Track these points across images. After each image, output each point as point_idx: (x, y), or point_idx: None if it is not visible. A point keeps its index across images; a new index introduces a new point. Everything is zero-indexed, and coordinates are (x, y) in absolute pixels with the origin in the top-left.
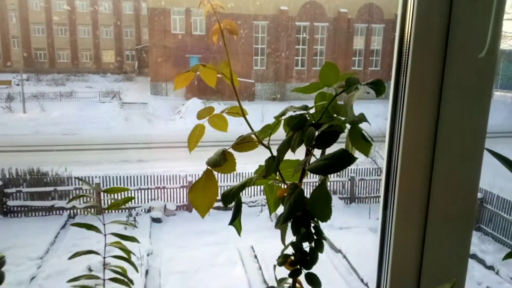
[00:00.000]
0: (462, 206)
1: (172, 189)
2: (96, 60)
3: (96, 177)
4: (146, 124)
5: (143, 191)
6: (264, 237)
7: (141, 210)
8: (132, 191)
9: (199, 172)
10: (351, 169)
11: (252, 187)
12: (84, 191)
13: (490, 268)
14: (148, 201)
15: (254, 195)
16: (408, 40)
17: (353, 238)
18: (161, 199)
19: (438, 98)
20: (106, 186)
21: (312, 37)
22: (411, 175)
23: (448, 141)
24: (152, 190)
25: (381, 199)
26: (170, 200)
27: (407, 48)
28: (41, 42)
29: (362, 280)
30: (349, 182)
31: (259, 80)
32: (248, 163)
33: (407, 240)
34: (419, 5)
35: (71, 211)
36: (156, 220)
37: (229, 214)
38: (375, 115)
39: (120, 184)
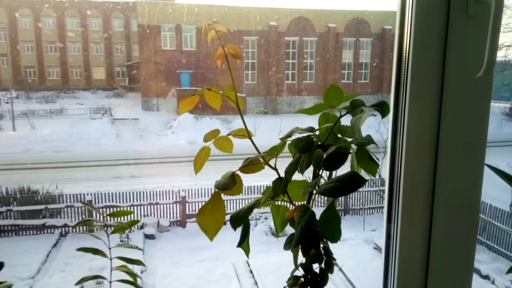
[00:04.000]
0: (466, 219)
1: (165, 205)
2: (87, 77)
3: (88, 194)
4: (138, 140)
5: (135, 207)
6: (259, 252)
7: (134, 226)
8: (124, 208)
9: (192, 187)
10: None
11: (245, 200)
12: (77, 209)
13: (486, 277)
14: (140, 218)
15: None
16: (407, 57)
17: (349, 251)
18: (154, 215)
19: (438, 113)
20: (98, 203)
21: (301, 51)
22: (414, 188)
23: (450, 155)
24: (145, 206)
25: (385, 213)
26: (163, 216)
27: (406, 65)
28: (30, 60)
29: None
30: None
31: (250, 94)
32: None
33: (412, 254)
34: (416, 24)
35: (63, 229)
36: (150, 237)
37: (224, 229)
38: (367, 126)
39: (112, 201)
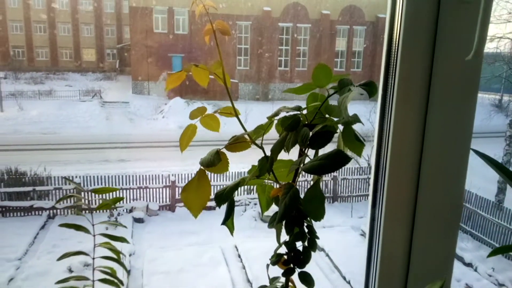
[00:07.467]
0: (449, 205)
1: (154, 189)
2: (77, 59)
3: (76, 176)
4: (128, 124)
5: (124, 191)
6: (248, 237)
7: (123, 210)
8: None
9: (182, 172)
10: None
11: None
12: (65, 191)
13: (469, 265)
14: (130, 201)
15: (237, 195)
16: (397, 41)
17: (336, 237)
18: (143, 199)
19: (426, 99)
20: (87, 186)
21: (295, 38)
22: (399, 174)
23: (436, 141)
24: (134, 190)
25: (370, 198)
26: (153, 200)
27: (396, 49)
28: (19, 40)
29: (344, 278)
30: (331, 181)
31: (242, 80)
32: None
33: (396, 239)
34: (407, 7)
35: (51, 211)
36: (138, 220)
37: (213, 214)
38: (357, 114)
39: (101, 184)
